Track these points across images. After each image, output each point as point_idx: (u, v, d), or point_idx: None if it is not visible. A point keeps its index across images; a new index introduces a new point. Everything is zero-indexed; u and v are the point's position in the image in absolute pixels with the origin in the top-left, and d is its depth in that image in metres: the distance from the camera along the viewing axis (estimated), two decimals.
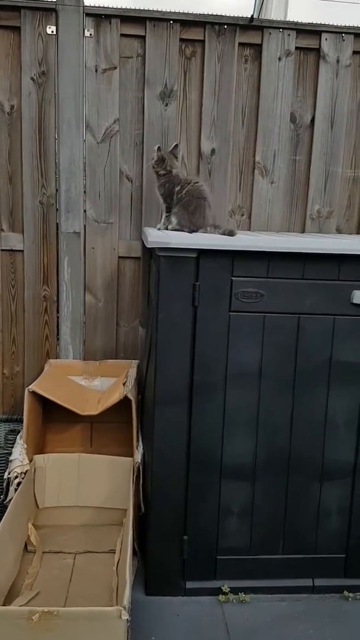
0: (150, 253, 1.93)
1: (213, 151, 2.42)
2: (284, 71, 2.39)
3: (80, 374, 2.41)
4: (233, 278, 1.73)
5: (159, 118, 2.38)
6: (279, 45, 2.36)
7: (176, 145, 2.12)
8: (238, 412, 1.80)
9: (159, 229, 2.10)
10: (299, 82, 2.43)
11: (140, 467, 1.95)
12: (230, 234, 1.80)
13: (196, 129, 2.41)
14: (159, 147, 2.05)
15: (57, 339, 2.50)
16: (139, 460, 1.95)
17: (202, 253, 1.70)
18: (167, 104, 2.37)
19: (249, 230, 2.50)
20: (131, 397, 2.03)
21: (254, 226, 2.50)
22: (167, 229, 2.06)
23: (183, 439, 1.80)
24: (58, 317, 2.48)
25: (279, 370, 1.80)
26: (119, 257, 2.47)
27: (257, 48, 2.37)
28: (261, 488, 1.87)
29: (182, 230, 1.99)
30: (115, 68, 2.32)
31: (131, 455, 2.10)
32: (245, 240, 1.72)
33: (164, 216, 2.10)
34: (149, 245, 1.70)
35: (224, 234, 1.82)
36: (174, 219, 2.02)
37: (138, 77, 2.36)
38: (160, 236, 1.71)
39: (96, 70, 2.32)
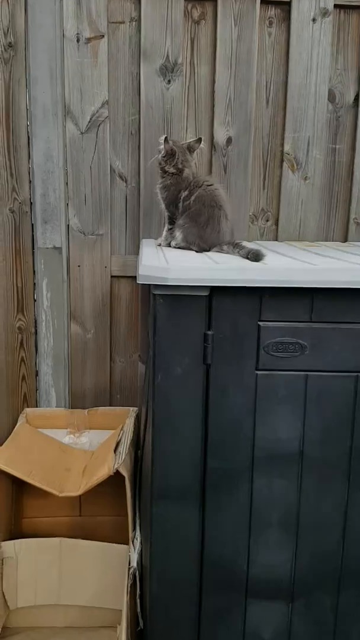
0: None
1: (229, 140, 1.89)
2: (319, 36, 1.85)
3: (65, 427, 1.91)
4: (261, 324, 1.21)
5: (160, 99, 1.85)
6: (313, 2, 1.82)
7: (199, 140, 1.60)
8: (270, 509, 1.29)
9: (159, 245, 1.60)
10: (338, 50, 1.89)
11: (137, 573, 1.45)
12: (256, 257, 1.28)
13: (208, 112, 1.89)
14: (166, 138, 1.54)
15: (37, 381, 2.00)
16: (135, 565, 1.44)
17: (217, 289, 1.18)
18: (169, 81, 1.85)
19: (276, 240, 1.98)
20: (124, 471, 1.52)
21: (282, 235, 1.97)
22: (170, 246, 1.56)
23: (194, 548, 1.30)
24: (37, 353, 1.98)
25: (328, 450, 1.28)
26: (112, 276, 1.96)
27: (285, 7, 1.84)
28: (301, 608, 1.36)
29: (190, 249, 1.49)
30: (103, 37, 1.80)
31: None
32: (279, 273, 1.18)
33: (165, 228, 1.60)
34: (139, 281, 1.19)
35: (248, 258, 1.29)
36: (178, 234, 1.51)
37: (132, 48, 1.84)
38: (154, 266, 1.19)
39: (78, 41, 1.80)
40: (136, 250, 1.94)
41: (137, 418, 1.89)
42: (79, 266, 1.94)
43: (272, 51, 1.88)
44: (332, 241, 2.00)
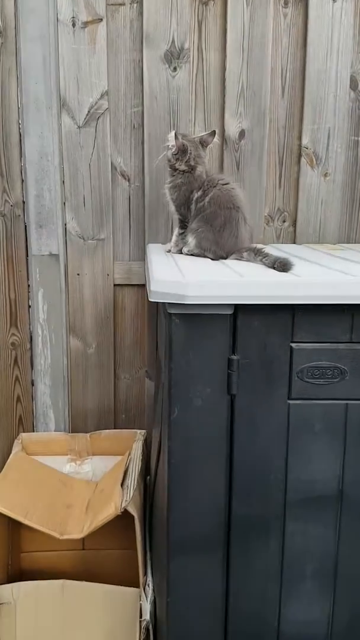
0: None
1: (242, 133, 1.72)
2: (340, 17, 1.68)
3: (65, 453, 1.74)
4: (293, 345, 1.03)
5: (165, 89, 1.68)
6: None
7: (213, 133, 1.43)
8: (304, 559, 1.12)
9: (168, 252, 1.43)
10: None
11: (150, 626, 1.28)
12: (284, 267, 1.10)
13: (218, 102, 1.72)
14: (176, 133, 1.36)
15: (33, 402, 1.83)
16: (147, 617, 1.27)
17: (241, 307, 1.00)
18: (175, 69, 1.68)
19: (294, 242, 1.81)
20: (134, 510, 1.35)
21: (301, 237, 1.80)
22: (182, 253, 1.38)
23: (218, 604, 1.12)
24: (33, 371, 1.81)
25: None
26: (115, 284, 1.80)
27: None
28: None
29: (204, 256, 1.32)
30: (101, 20, 1.64)
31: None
32: (318, 287, 1.00)
33: (176, 232, 1.43)
34: (151, 298, 1.01)
35: (274, 268, 1.12)
36: (191, 239, 1.34)
37: (134, 33, 1.67)
38: (169, 281, 1.01)
39: (74, 25, 1.64)
40: (141, 256, 1.77)
41: (145, 442, 1.72)
42: (78, 274, 1.78)
43: (288, 34, 1.70)
44: (355, 243, 1.83)
